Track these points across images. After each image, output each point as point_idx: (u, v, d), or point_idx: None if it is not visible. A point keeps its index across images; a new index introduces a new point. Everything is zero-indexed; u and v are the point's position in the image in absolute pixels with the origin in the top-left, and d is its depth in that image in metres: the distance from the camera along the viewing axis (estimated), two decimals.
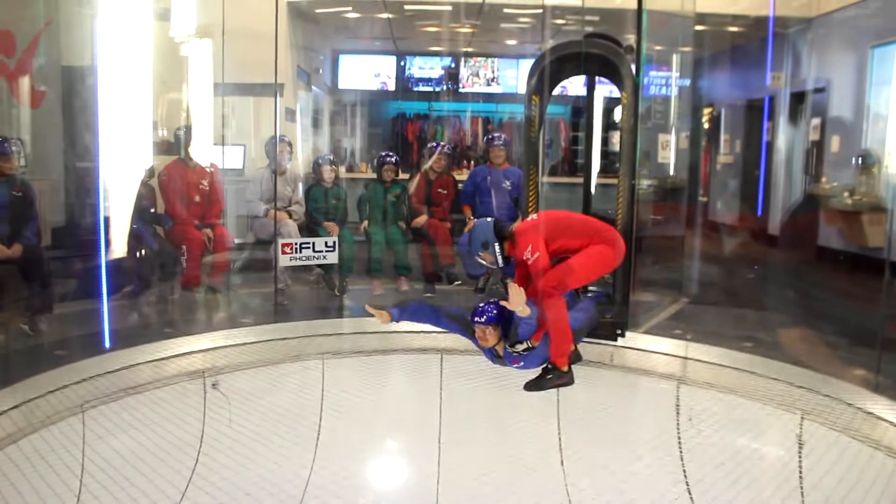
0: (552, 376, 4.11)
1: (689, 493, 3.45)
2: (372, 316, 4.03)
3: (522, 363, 4.03)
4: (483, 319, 3.95)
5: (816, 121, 8.95)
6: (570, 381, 4.17)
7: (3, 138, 5.38)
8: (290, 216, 6.59)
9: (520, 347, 3.94)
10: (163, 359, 4.93)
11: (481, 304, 4.02)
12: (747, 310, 6.60)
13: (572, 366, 4.29)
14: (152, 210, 6.21)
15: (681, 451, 3.80)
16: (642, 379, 4.95)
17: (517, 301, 3.71)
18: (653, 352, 5.30)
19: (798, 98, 9.32)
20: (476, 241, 4.12)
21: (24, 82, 6.63)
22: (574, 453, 3.79)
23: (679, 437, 3.92)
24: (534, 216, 4.24)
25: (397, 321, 4.14)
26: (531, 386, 4.16)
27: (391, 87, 11.38)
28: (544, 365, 4.14)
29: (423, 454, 3.77)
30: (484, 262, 4.22)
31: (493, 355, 4.08)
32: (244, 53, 7.55)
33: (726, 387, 4.64)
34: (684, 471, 3.63)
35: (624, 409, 4.48)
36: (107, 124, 5.28)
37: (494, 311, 3.95)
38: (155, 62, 6.27)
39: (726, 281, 7.73)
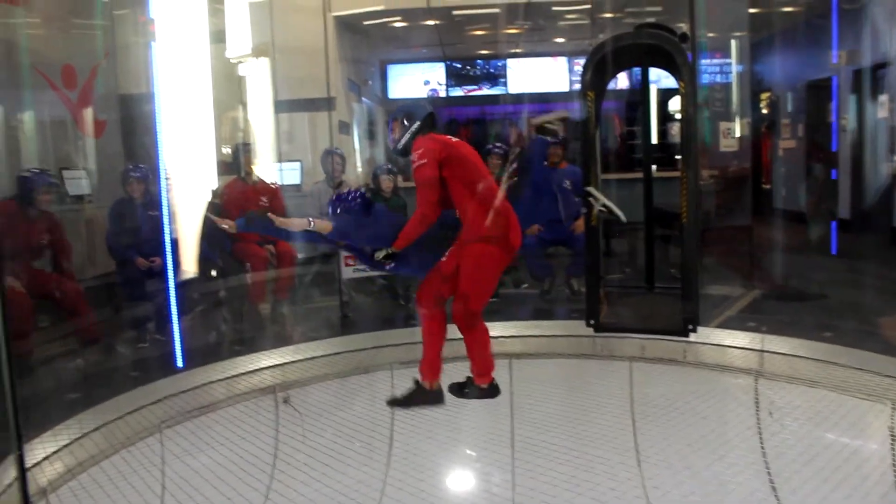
0: (413, 391, 3.81)
1: (775, 493, 3.31)
2: None
3: (393, 265, 3.68)
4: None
5: (884, 97, 8.61)
6: (436, 401, 3.79)
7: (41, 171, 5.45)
8: None
9: (380, 255, 3.62)
10: (234, 376, 5.00)
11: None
12: (823, 299, 6.38)
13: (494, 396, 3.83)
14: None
15: (763, 448, 3.65)
16: (718, 374, 4.82)
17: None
18: (727, 346, 5.15)
19: (869, 74, 8.98)
20: (405, 107, 3.92)
21: (87, 113, 6.82)
22: (654, 454, 3.69)
23: (760, 434, 3.78)
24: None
25: (240, 230, 3.94)
26: (392, 401, 3.88)
27: (442, 93, 11.39)
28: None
29: (497, 462, 3.71)
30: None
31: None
32: (296, 70, 7.65)
33: (808, 379, 4.48)
34: (768, 470, 3.49)
35: (701, 406, 4.36)
36: (169, 148, 5.37)
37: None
38: (213, 83, 6.39)
39: (797, 270, 7.48)
